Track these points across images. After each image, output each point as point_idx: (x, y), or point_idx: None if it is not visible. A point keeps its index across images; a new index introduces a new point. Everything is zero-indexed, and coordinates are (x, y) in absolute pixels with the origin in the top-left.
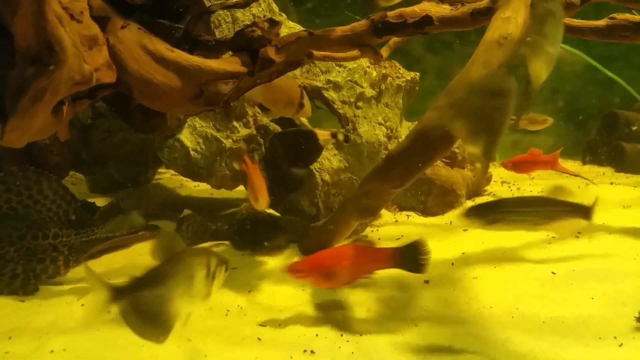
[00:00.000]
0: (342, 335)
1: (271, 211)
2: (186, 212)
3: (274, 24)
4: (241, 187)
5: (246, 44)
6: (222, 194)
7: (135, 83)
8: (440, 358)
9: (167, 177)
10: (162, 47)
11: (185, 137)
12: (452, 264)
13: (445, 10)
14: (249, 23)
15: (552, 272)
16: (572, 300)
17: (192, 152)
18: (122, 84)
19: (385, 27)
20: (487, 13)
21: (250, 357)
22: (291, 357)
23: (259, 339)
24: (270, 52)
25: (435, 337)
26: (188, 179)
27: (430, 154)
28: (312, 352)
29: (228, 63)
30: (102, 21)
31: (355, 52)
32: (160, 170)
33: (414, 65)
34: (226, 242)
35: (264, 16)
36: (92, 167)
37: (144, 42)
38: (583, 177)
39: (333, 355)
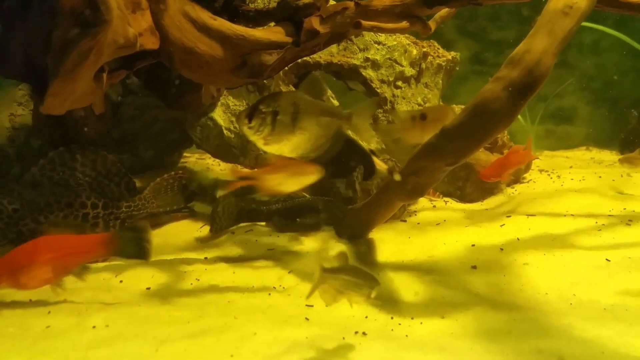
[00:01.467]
0: (392, 318)
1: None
2: (220, 192)
3: None
4: None
5: (289, 14)
6: None
7: (177, 52)
8: (498, 344)
9: (193, 160)
10: (205, 15)
11: (219, 115)
12: (501, 249)
13: None
14: None
15: (607, 259)
16: (632, 288)
17: (225, 131)
18: (164, 52)
19: None
20: None
21: (300, 336)
22: (343, 338)
23: (306, 318)
24: (315, 22)
25: (492, 322)
26: (214, 162)
27: (489, 129)
28: (364, 333)
29: (272, 33)
30: None
31: (404, 24)
32: (185, 153)
33: (447, 49)
34: (262, 224)
35: None
36: (121, 145)
37: (187, 10)
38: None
39: (386, 338)
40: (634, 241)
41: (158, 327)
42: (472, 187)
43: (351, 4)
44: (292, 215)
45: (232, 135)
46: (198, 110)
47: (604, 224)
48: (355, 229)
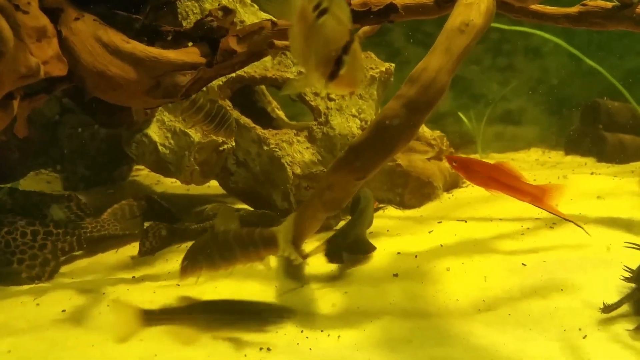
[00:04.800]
0: (302, 331)
1: (244, 206)
2: (147, 224)
3: (227, 12)
4: (215, 183)
5: (206, 34)
6: (198, 189)
7: (89, 75)
8: (397, 353)
9: (145, 173)
10: (118, 39)
11: (154, 131)
12: (416, 256)
13: None
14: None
15: (523, 264)
16: (540, 292)
17: (160, 147)
18: (76, 76)
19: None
20: (451, 0)
21: (201, 355)
22: (245, 356)
23: (214, 337)
24: (232, 42)
25: (397, 331)
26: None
27: (391, 144)
28: (268, 349)
29: (186, 54)
30: (54, 13)
31: None
32: (137, 167)
33: (395, 56)
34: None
35: (218, 4)
36: (60, 163)
37: (99, 34)
38: None
39: (290, 352)
40: (553, 245)
41: (62, 351)
42: (410, 194)
43: (267, 24)
44: None
45: (167, 152)
46: (131, 127)
47: (528, 228)
48: None
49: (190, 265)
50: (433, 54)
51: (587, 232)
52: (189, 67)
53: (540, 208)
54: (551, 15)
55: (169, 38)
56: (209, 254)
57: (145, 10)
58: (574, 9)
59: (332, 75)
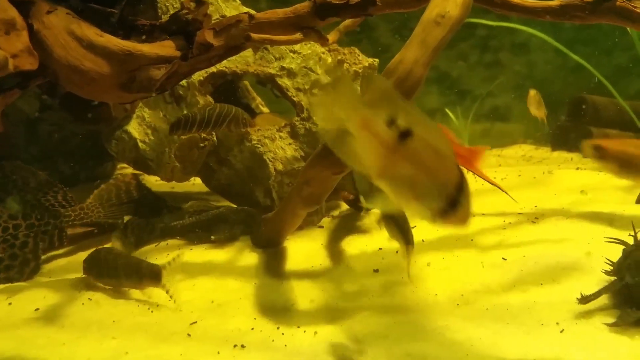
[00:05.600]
0: (278, 328)
1: (228, 203)
2: (126, 218)
3: (200, 3)
4: (198, 180)
5: (182, 27)
6: (183, 187)
7: (61, 70)
8: (373, 348)
9: (129, 171)
10: (91, 32)
11: (134, 128)
12: (397, 252)
13: None
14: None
15: (503, 258)
16: (519, 287)
17: (140, 144)
18: (49, 71)
19: (327, 8)
20: None
21: (174, 353)
22: (218, 353)
23: (188, 334)
24: (208, 35)
25: (375, 326)
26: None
27: None
28: (242, 346)
29: (161, 47)
30: (25, 5)
31: (297, 36)
32: (121, 164)
33: (383, 52)
34: (177, 239)
35: None
36: (40, 161)
37: (72, 28)
38: None
39: (264, 349)
40: (534, 239)
41: (31, 350)
42: None
43: (245, 17)
44: (207, 228)
45: (148, 148)
46: (110, 124)
47: (510, 223)
48: (270, 238)
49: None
50: (409, 47)
51: (512, 198)
52: (163, 61)
53: (470, 171)
54: (532, 8)
55: (145, 32)
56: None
57: (121, 3)
58: (555, 2)
59: (444, 214)
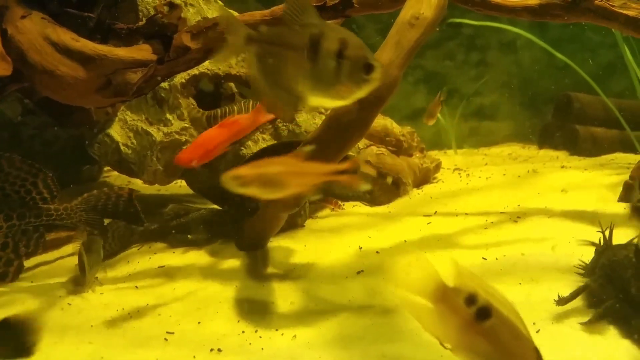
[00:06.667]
0: (256, 331)
1: (217, 206)
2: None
3: (173, 7)
4: (183, 183)
5: (158, 30)
6: (169, 189)
7: (37, 75)
8: (351, 350)
9: (116, 174)
10: (67, 37)
11: (116, 131)
12: (377, 252)
13: None
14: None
15: (483, 258)
16: (498, 286)
17: (122, 147)
18: (24, 76)
19: None
20: None
21: (150, 358)
22: (194, 357)
23: (165, 339)
24: (185, 38)
25: (352, 328)
26: None
27: (344, 139)
28: (219, 350)
29: (137, 51)
30: None
31: None
32: (108, 167)
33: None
34: (160, 242)
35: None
36: None
37: (47, 32)
38: None
39: (241, 353)
40: (515, 238)
41: None
42: (380, 191)
43: None
44: (189, 230)
45: (130, 151)
46: (92, 127)
47: (492, 222)
48: (253, 240)
49: None
50: (384, 48)
51: None
52: (140, 65)
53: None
54: (512, 8)
55: (123, 36)
56: None
57: (98, 8)
58: (534, 1)
59: None
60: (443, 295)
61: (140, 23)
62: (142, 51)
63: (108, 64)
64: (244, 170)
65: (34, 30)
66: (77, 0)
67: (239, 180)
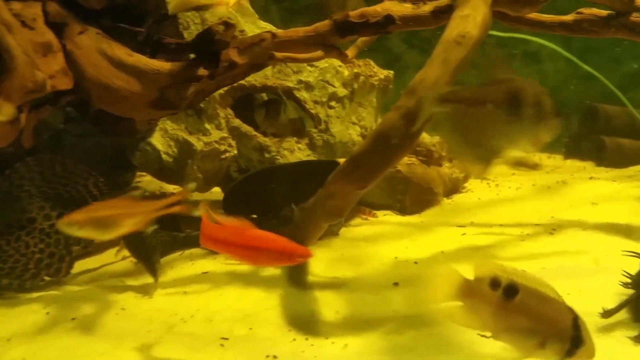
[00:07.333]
0: (307, 339)
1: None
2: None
3: (229, 26)
4: (217, 189)
5: (207, 46)
6: (200, 196)
7: (93, 88)
8: None
9: (148, 179)
10: (121, 52)
11: (157, 140)
12: (416, 262)
13: (407, 9)
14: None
15: (523, 271)
16: None
17: (163, 155)
18: (81, 89)
19: (348, 27)
20: (448, 11)
21: None
22: None
23: (222, 344)
24: (233, 54)
25: (401, 339)
26: None
27: (390, 155)
28: (274, 356)
29: (188, 66)
30: (58, 27)
31: (319, 53)
32: (140, 172)
33: (395, 62)
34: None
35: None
36: None
37: (103, 47)
38: None
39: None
40: (553, 251)
41: (74, 358)
42: (410, 200)
43: (268, 35)
44: None
45: (171, 160)
46: (134, 136)
47: (528, 234)
48: None
49: None
50: (430, 66)
51: None
52: (191, 79)
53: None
54: (548, 23)
55: (171, 50)
56: None
57: (148, 23)
58: (569, 17)
59: (570, 354)
60: (468, 289)
61: (188, 36)
62: (193, 66)
63: (161, 78)
64: (78, 216)
65: (90, 46)
66: (127, 15)
67: (73, 225)
